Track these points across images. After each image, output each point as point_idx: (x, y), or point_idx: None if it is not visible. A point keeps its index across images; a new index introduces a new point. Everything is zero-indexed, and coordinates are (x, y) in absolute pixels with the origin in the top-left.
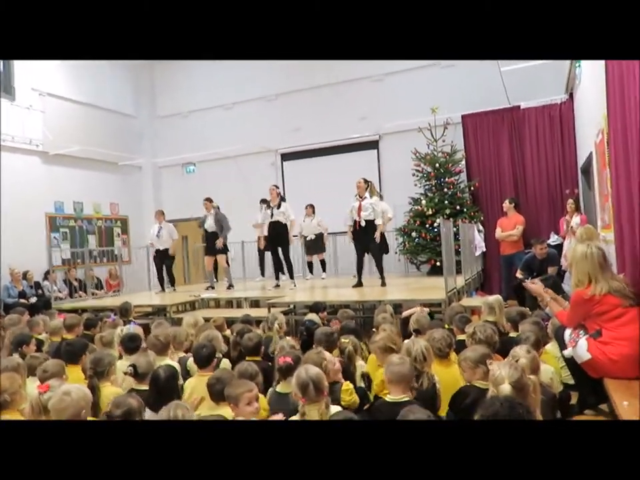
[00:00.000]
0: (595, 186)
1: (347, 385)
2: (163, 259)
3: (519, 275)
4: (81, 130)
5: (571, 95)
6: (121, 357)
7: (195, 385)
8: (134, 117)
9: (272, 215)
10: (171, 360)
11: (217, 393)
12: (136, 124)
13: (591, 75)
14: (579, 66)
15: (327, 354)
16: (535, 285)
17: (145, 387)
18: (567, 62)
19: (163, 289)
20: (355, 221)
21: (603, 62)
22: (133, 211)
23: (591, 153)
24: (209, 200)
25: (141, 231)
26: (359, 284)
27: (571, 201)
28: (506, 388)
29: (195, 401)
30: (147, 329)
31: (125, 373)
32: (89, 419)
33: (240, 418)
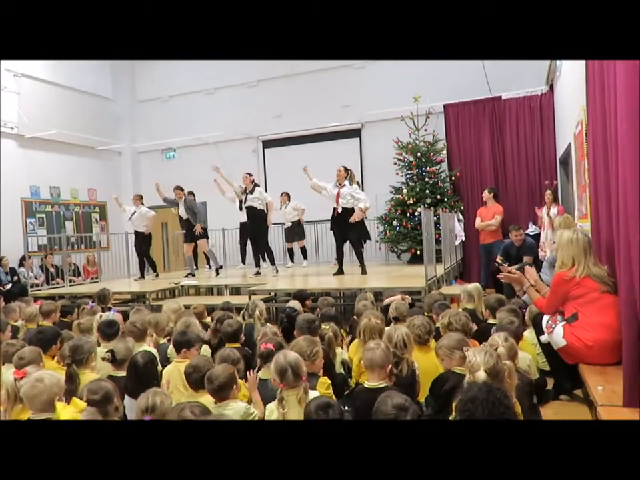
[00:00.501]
0: (572, 177)
1: (324, 379)
2: (140, 243)
3: (498, 260)
4: (57, 113)
5: (551, 87)
6: (99, 344)
7: (172, 372)
8: (113, 100)
9: (245, 200)
10: (148, 346)
11: (195, 381)
12: (115, 108)
13: (571, 67)
14: None
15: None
16: (513, 275)
17: (123, 374)
18: None
19: (143, 276)
20: (334, 208)
21: None
22: (111, 196)
23: (569, 144)
24: (179, 188)
25: (120, 217)
26: (340, 272)
27: (548, 191)
28: (481, 375)
29: (167, 384)
30: (127, 316)
31: (103, 359)
32: (66, 405)
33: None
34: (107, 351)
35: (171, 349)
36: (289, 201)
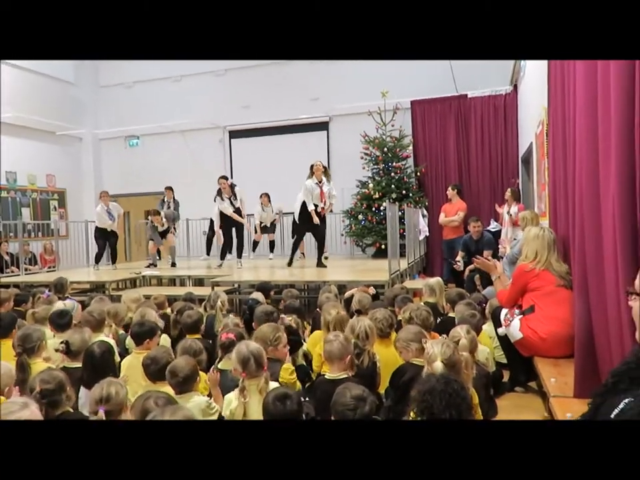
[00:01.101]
0: (533, 175)
1: (288, 365)
2: (108, 237)
3: (458, 258)
4: (15, 95)
5: (515, 87)
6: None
7: (131, 363)
8: (75, 84)
9: (232, 205)
10: (105, 336)
11: (153, 372)
12: (77, 92)
13: (534, 68)
14: None
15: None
16: (489, 262)
17: (78, 365)
18: None
19: (97, 263)
20: (316, 206)
21: None
22: (71, 183)
23: (531, 143)
24: (170, 189)
25: (80, 204)
26: (290, 263)
27: (508, 189)
28: (438, 365)
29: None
30: (86, 306)
31: (57, 350)
32: (18, 395)
33: None
34: (61, 342)
35: (129, 340)
36: (270, 202)
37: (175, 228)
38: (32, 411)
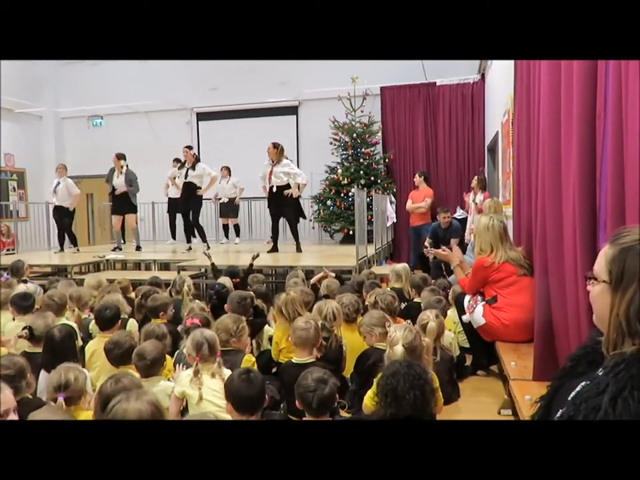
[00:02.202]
0: (499, 164)
1: (249, 357)
2: (62, 216)
3: (426, 243)
4: None
5: (483, 76)
6: (13, 319)
7: (97, 348)
8: (34, 60)
9: (186, 175)
10: (67, 320)
11: (115, 357)
12: (36, 68)
13: None
14: None
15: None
16: (443, 252)
17: (40, 350)
18: None
19: (62, 249)
20: (269, 187)
21: None
22: (31, 163)
23: (497, 132)
24: (120, 157)
25: (40, 186)
26: (275, 249)
27: (475, 177)
28: (399, 349)
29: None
30: (46, 290)
31: (20, 336)
32: None
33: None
34: (24, 328)
35: (93, 324)
36: (230, 175)
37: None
38: (5, 395)
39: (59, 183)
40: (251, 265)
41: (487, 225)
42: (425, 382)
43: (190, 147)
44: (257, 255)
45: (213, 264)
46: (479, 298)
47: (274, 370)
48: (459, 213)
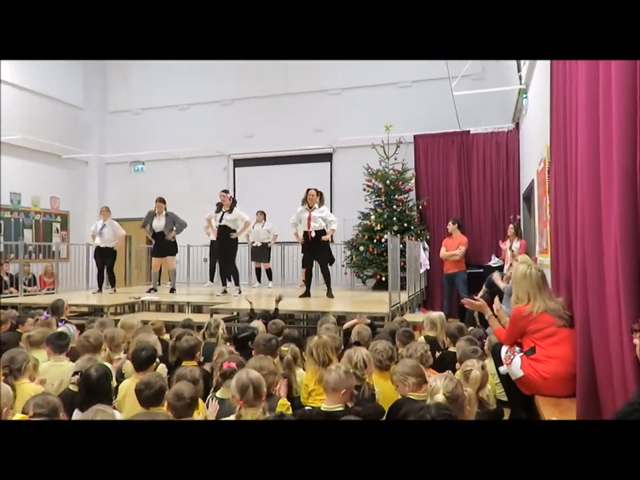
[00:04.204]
0: (535, 212)
1: (284, 401)
2: (105, 257)
3: (481, 293)
4: (23, 117)
5: (517, 125)
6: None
7: (130, 387)
8: (83, 109)
9: (221, 219)
10: (103, 361)
11: (146, 398)
12: (84, 117)
13: (537, 106)
14: (526, 97)
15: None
16: (476, 302)
17: None
18: (515, 92)
19: (101, 289)
20: (305, 232)
21: (548, 94)
22: (74, 206)
23: (532, 181)
24: (162, 200)
25: (82, 227)
26: (307, 294)
27: (511, 225)
28: (439, 397)
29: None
30: (84, 329)
31: (72, 383)
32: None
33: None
34: (74, 374)
35: (126, 365)
36: (265, 220)
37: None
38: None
39: (104, 225)
40: (276, 308)
41: (524, 273)
42: None
43: (226, 191)
44: (280, 298)
45: (252, 309)
46: (517, 349)
47: None
48: (494, 261)
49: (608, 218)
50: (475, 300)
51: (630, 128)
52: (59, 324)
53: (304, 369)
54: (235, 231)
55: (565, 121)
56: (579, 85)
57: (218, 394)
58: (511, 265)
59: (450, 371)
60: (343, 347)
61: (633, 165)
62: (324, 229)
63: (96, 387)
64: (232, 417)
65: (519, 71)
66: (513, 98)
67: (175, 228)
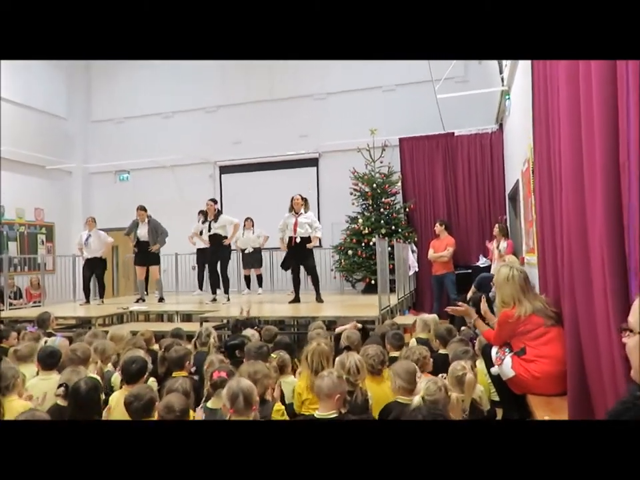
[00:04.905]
0: (520, 212)
1: (278, 406)
2: (93, 268)
3: (470, 294)
4: (6, 129)
5: (501, 126)
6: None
7: (119, 399)
8: (66, 119)
9: (210, 228)
10: (91, 373)
11: (135, 410)
12: (67, 127)
13: (519, 107)
14: (509, 98)
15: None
16: (459, 308)
17: None
18: (498, 94)
19: (88, 301)
20: (291, 238)
21: (530, 95)
22: (59, 217)
23: (517, 181)
24: (143, 209)
25: (68, 239)
26: (297, 300)
27: (497, 225)
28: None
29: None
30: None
31: (57, 395)
32: None
33: None
34: (60, 385)
35: (115, 377)
36: (253, 226)
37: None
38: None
39: (89, 236)
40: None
41: (506, 276)
42: None
43: (214, 201)
44: (249, 309)
45: (247, 318)
46: (507, 349)
47: None
48: (482, 261)
49: (593, 216)
50: (459, 305)
51: (611, 126)
52: (56, 338)
53: (295, 376)
54: (226, 237)
55: (547, 121)
56: (559, 84)
57: (209, 404)
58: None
59: (444, 374)
60: (333, 352)
61: (615, 162)
62: (309, 236)
63: (85, 401)
64: None
65: (500, 72)
66: (495, 99)
67: (158, 238)
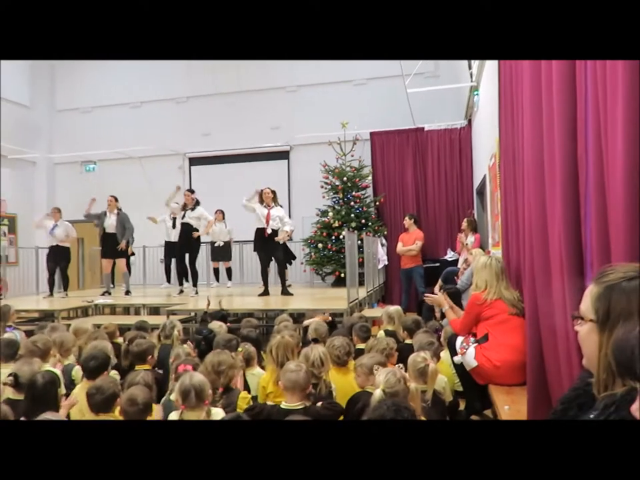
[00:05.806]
0: (487, 206)
1: (245, 394)
2: (58, 259)
3: (437, 288)
4: None
5: (470, 121)
6: None
7: (80, 394)
8: (29, 108)
9: (184, 216)
10: (51, 367)
11: (96, 403)
12: (31, 116)
13: (487, 103)
14: (477, 94)
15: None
16: (435, 296)
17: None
18: (467, 89)
19: (52, 293)
20: (261, 229)
21: (497, 92)
22: (22, 208)
23: (485, 176)
24: (114, 198)
25: (31, 230)
26: (266, 292)
27: (465, 219)
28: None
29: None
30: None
31: (5, 384)
32: None
33: None
34: (9, 375)
35: (76, 371)
36: (224, 219)
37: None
38: None
39: (56, 226)
40: (205, 311)
41: (485, 263)
42: None
43: (192, 191)
44: (209, 303)
45: (205, 312)
46: (472, 340)
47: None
48: (450, 255)
49: (552, 209)
50: (435, 294)
51: (570, 123)
52: (7, 329)
53: (262, 368)
54: (196, 230)
55: (512, 117)
56: (523, 83)
57: (172, 397)
58: (465, 259)
59: (401, 365)
60: (301, 344)
61: (574, 156)
62: (279, 229)
63: (42, 395)
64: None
65: (469, 68)
66: (465, 95)
67: (125, 234)
